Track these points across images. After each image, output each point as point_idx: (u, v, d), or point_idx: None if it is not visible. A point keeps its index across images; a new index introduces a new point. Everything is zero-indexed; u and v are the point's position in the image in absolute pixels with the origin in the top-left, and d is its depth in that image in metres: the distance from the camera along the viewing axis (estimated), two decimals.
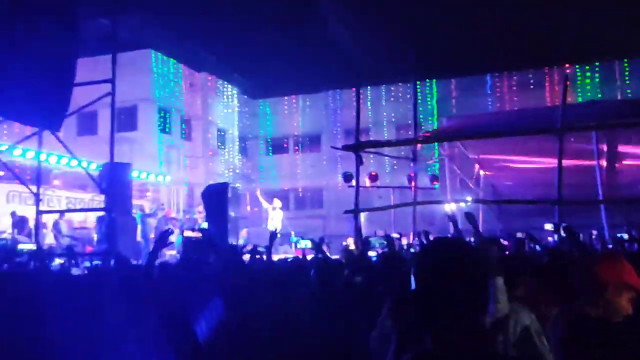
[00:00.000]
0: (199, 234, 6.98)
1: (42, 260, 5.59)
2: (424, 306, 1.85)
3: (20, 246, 6.55)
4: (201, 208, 19.75)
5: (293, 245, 16.38)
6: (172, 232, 4.72)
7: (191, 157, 26.05)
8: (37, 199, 9.48)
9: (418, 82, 18.61)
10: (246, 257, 7.69)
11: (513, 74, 26.61)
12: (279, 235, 18.30)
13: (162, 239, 4.20)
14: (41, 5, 7.75)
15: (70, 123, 24.33)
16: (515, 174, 17.84)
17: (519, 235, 8.50)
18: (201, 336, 3.16)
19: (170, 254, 7.20)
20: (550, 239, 10.33)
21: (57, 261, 9.15)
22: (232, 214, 14.12)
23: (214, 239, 7.00)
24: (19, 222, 15.66)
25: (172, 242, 17.89)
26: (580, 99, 23.91)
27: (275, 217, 18.56)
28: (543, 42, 21.35)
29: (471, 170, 19.31)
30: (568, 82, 11.53)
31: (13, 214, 16.02)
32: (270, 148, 31.42)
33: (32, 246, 6.44)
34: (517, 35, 20.86)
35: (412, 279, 1.95)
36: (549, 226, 9.57)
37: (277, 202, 19.01)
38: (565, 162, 10.23)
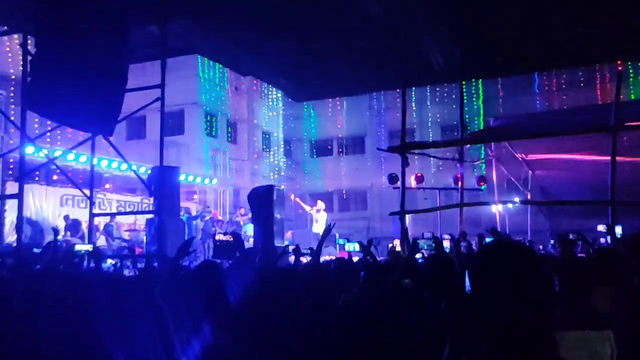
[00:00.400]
0: (230, 238, 7.03)
1: (97, 261, 5.71)
2: (483, 309, 1.81)
3: (78, 247, 6.71)
4: (243, 211, 19.97)
5: (338, 247, 16.36)
6: (192, 239, 4.77)
7: (237, 160, 26.34)
8: (91, 202, 9.76)
9: (464, 82, 18.39)
10: (291, 258, 7.75)
11: (562, 72, 25.98)
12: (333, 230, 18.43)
13: (184, 248, 4.24)
14: (94, 14, 7.97)
15: (121, 128, 24.90)
16: (565, 174, 17.41)
17: (571, 236, 8.28)
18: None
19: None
20: (602, 240, 10.03)
21: (109, 262, 9.41)
22: (277, 216, 14.18)
23: (241, 242, 7.03)
24: (72, 225, 16.17)
25: (194, 250, 18.15)
26: (633, 96, 23.17)
27: (320, 219, 18.60)
28: (593, 38, 20.77)
29: (519, 170, 18.96)
30: (620, 78, 11.17)
31: (66, 217, 16.55)
32: (314, 150, 31.52)
33: (88, 247, 6.59)
34: (566, 31, 20.35)
35: (468, 281, 1.91)
36: (601, 227, 9.30)
37: (321, 204, 19.05)
38: (619, 161, 9.93)
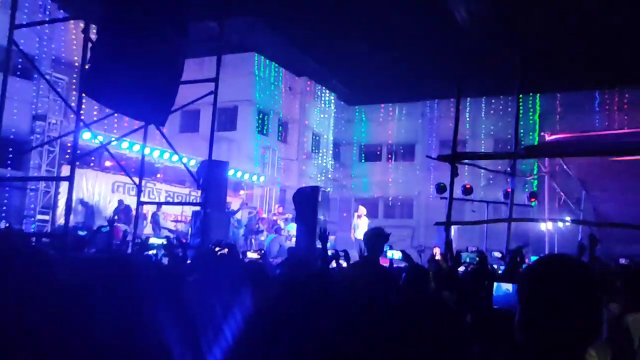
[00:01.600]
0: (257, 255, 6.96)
1: (171, 254, 5.83)
2: (530, 332, 1.68)
3: (152, 240, 6.83)
4: (280, 209, 20.00)
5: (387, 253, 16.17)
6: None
7: (285, 159, 26.45)
8: (139, 190, 9.89)
9: (521, 96, 17.92)
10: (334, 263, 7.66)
11: (625, 91, 25.06)
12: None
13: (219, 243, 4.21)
14: (154, 5, 8.07)
15: (174, 120, 25.45)
16: (620, 196, 16.74)
17: (622, 261, 7.90)
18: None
19: (253, 255, 7.23)
20: None
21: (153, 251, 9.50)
22: (321, 217, 14.10)
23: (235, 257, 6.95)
24: (124, 211, 16.56)
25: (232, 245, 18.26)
26: None
27: (361, 225, 18.44)
28: None
29: (572, 189, 18.35)
30: None
31: (120, 202, 16.97)
32: (363, 155, 31.38)
33: (162, 240, 6.69)
34: (631, 48, 19.60)
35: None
36: None
37: (362, 210, 18.89)
38: None
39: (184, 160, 17.46)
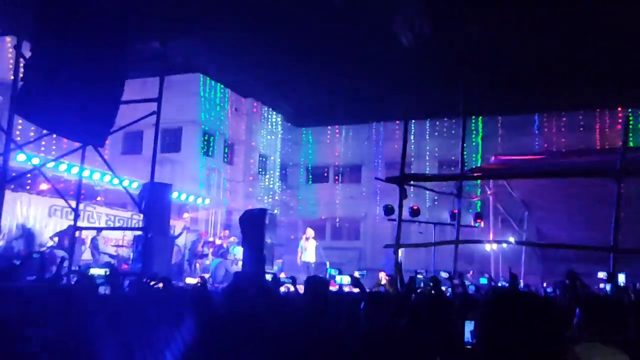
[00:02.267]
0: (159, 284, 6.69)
1: (115, 285, 5.56)
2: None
3: (93, 271, 6.45)
4: (227, 232, 19.61)
5: (328, 277, 15.98)
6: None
7: (232, 181, 26.06)
8: (76, 214, 9.40)
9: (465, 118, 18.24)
10: (287, 287, 7.45)
11: (562, 114, 25.91)
12: (324, 258, 18.00)
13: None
14: (91, 22, 7.73)
15: (116, 142, 24.73)
16: (562, 217, 17.14)
17: (567, 281, 7.94)
18: None
19: (191, 281, 6.92)
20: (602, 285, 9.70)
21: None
22: (269, 240, 13.86)
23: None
24: (72, 235, 15.81)
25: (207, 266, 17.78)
26: (632, 144, 23.04)
27: (309, 248, 18.23)
28: (598, 82, 20.72)
29: (516, 210, 18.70)
30: (628, 123, 10.97)
31: (70, 227, 16.23)
32: (310, 176, 31.26)
33: (103, 271, 6.33)
34: (569, 75, 20.31)
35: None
36: (602, 274, 8.98)
37: (310, 232, 18.72)
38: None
39: (125, 183, 16.90)
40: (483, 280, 10.75)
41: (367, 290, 6.31)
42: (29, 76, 7.51)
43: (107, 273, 6.34)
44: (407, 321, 4.19)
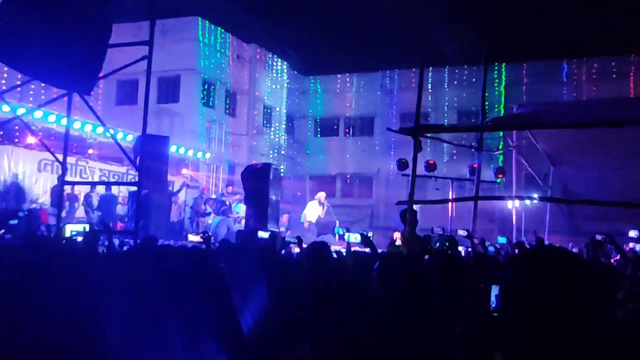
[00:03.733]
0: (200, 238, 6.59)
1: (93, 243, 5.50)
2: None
3: (70, 227, 6.27)
4: (231, 189, 19.58)
5: (337, 237, 15.95)
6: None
7: (234, 134, 25.92)
8: (64, 168, 9.29)
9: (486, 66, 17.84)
10: (295, 249, 7.38)
11: (594, 61, 25.33)
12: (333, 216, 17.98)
13: None
14: None
15: (110, 92, 24.59)
16: (591, 173, 16.89)
17: (598, 237, 7.76)
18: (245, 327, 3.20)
19: (194, 239, 6.80)
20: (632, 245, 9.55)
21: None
22: (273, 197, 13.80)
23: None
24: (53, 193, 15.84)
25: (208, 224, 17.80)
26: None
27: (313, 210, 18.18)
28: (633, 24, 20.13)
29: (540, 165, 18.47)
30: None
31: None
32: (319, 129, 31.05)
33: (83, 227, 6.18)
34: (601, 17, 19.72)
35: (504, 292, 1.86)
36: (633, 233, 8.81)
37: (321, 195, 18.66)
38: None
39: (119, 135, 16.81)
40: (502, 240, 10.61)
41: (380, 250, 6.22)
42: (6, 16, 7.29)
43: (86, 230, 6.18)
44: (420, 284, 4.08)
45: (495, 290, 2.78)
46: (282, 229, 15.93)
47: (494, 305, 2.76)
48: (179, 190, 18.05)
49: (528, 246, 8.99)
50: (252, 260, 4.43)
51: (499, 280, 2.24)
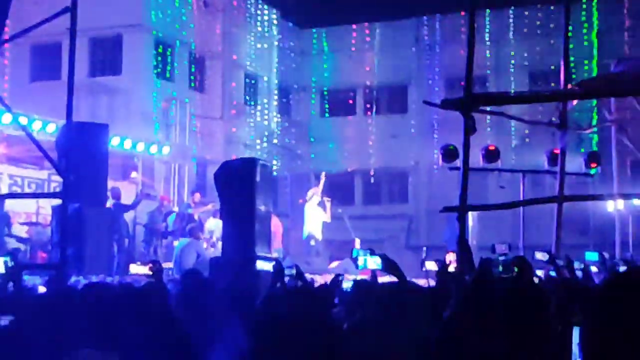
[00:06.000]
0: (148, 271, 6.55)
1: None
2: None
3: None
4: (198, 197, 19.60)
5: (353, 260, 15.97)
6: None
7: (204, 117, 25.96)
8: None
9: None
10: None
11: None
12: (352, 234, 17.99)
13: None
14: None
15: (22, 62, 24.66)
16: None
17: None
18: None
19: (139, 271, 6.76)
20: None
21: None
22: (262, 208, 13.79)
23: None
24: None
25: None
26: None
27: (313, 217, 18.23)
28: None
29: None
30: None
31: None
32: (327, 106, 31.13)
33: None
34: None
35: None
36: None
37: (314, 190, 18.73)
38: None
39: (36, 125, 16.84)
40: (591, 257, 10.53)
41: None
42: None
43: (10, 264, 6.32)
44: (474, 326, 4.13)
45: (575, 334, 2.79)
46: (275, 254, 15.95)
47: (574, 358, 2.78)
48: (134, 205, 18.00)
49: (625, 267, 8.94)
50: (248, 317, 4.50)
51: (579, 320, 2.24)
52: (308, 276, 7.86)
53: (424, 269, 8.86)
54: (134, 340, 4.05)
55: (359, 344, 4.19)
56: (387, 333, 4.10)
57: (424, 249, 14.02)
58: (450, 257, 10.26)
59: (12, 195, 17.80)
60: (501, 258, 8.47)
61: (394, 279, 5.58)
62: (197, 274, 6.53)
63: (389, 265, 5.38)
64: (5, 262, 6.23)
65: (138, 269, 6.81)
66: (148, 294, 5.44)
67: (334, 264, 17.09)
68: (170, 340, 4.24)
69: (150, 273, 6.43)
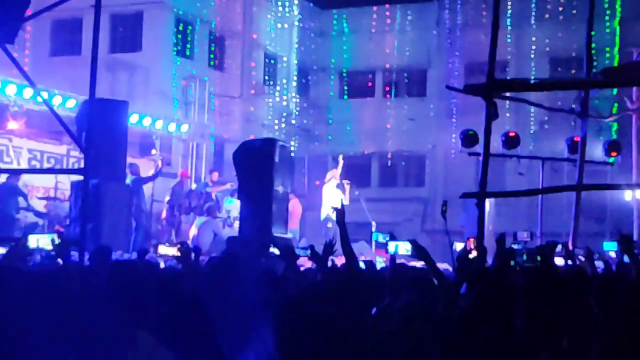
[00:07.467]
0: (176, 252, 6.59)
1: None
2: None
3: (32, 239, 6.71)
4: (216, 176, 19.59)
5: (374, 244, 15.97)
6: None
7: (222, 96, 25.97)
8: None
9: None
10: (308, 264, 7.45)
11: None
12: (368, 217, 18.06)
13: None
14: None
15: (43, 36, 24.73)
16: None
17: None
18: None
19: (168, 252, 6.79)
20: None
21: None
22: (279, 189, 13.84)
23: None
24: None
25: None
26: None
27: (331, 199, 18.25)
28: None
29: None
30: None
31: None
32: (346, 88, 31.06)
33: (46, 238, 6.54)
34: None
35: None
36: None
37: (331, 173, 18.74)
38: None
39: (56, 100, 16.91)
40: (609, 246, 10.48)
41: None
42: None
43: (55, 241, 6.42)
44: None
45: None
46: (290, 235, 16.00)
47: None
48: (153, 177, 17.97)
49: None
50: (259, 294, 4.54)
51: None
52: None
53: (454, 251, 8.88)
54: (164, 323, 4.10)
55: (387, 328, 4.23)
56: (415, 318, 4.14)
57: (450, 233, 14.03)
58: (472, 242, 10.28)
59: (33, 171, 17.91)
60: (517, 247, 8.45)
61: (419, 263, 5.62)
62: (231, 257, 6.49)
63: (419, 252, 5.40)
64: (52, 240, 6.33)
65: (166, 250, 6.87)
66: (177, 277, 5.48)
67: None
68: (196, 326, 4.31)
69: (179, 254, 6.47)
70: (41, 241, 6.59)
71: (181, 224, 18.18)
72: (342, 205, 6.12)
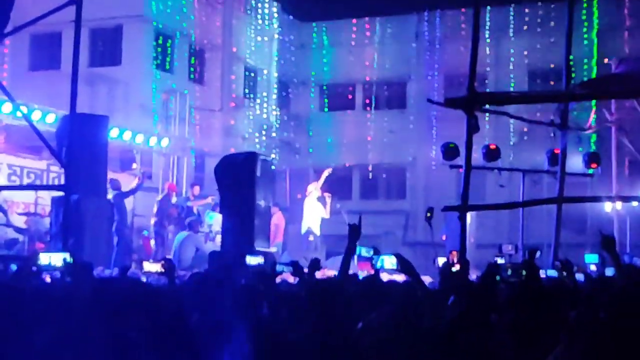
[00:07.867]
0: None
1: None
2: None
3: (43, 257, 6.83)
4: (197, 190, 19.55)
5: (356, 258, 15.93)
6: None
7: (202, 109, 25.95)
8: None
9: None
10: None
11: None
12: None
13: None
14: None
15: (21, 51, 24.60)
16: None
17: None
18: None
19: (151, 269, 6.76)
20: None
21: None
22: (262, 203, 13.84)
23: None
24: None
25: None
26: None
27: (312, 212, 18.25)
28: None
29: None
30: None
31: None
32: (326, 100, 31.11)
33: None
34: None
35: None
36: None
37: (311, 186, 18.75)
38: None
39: (35, 115, 16.81)
40: (591, 258, 10.53)
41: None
42: None
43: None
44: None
45: None
46: (274, 249, 15.96)
47: None
48: (134, 190, 17.89)
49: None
50: (238, 303, 4.49)
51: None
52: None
53: (435, 265, 8.89)
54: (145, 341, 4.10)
55: (373, 342, 4.23)
56: (401, 331, 4.15)
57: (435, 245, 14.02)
58: (454, 256, 10.31)
59: (13, 187, 17.77)
60: (499, 260, 8.47)
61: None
62: (209, 275, 6.58)
63: (404, 265, 5.42)
64: (64, 259, 6.39)
65: (151, 267, 6.86)
66: (161, 294, 5.48)
67: (329, 260, 17.06)
68: (180, 342, 4.31)
69: (163, 271, 6.48)
70: (53, 259, 6.66)
71: (169, 234, 18.12)
72: (360, 223, 6.12)
